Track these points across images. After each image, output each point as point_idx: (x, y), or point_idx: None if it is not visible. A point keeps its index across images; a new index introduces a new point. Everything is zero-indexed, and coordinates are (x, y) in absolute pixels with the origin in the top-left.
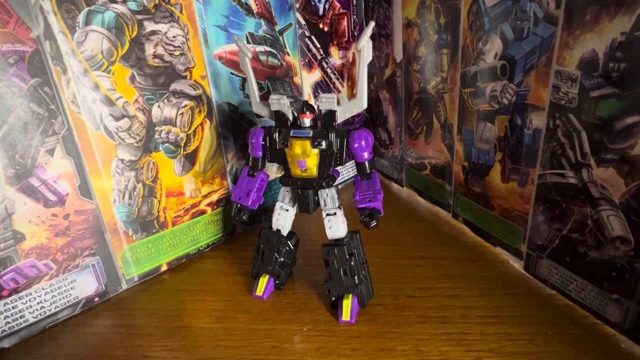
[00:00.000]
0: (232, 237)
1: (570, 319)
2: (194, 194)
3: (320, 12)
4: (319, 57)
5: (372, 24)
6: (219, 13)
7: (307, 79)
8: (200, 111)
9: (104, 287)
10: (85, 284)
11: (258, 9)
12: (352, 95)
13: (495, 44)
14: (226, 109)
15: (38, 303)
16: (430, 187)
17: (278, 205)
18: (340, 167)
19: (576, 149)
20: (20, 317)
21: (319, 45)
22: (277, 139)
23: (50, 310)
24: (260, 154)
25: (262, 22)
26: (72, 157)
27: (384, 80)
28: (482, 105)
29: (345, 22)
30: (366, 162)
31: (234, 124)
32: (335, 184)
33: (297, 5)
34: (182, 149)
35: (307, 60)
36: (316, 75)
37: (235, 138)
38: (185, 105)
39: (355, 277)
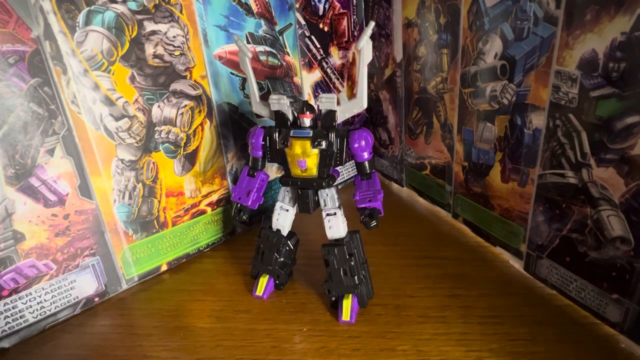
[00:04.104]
0: (232, 237)
1: (570, 319)
2: (194, 194)
3: (320, 12)
4: (319, 57)
5: (372, 24)
6: (219, 13)
7: (307, 79)
8: (200, 111)
9: (104, 287)
10: (85, 284)
11: (258, 9)
12: (352, 95)
13: (495, 44)
14: (226, 109)
15: (38, 303)
16: (430, 187)
17: (278, 205)
18: (340, 167)
19: (576, 149)
20: (20, 317)
21: (319, 45)
22: (277, 139)
23: (50, 310)
24: (260, 154)
25: (262, 22)
26: (72, 157)
27: (384, 80)
28: (482, 105)
29: (345, 22)
30: (366, 162)
31: (234, 124)
32: (335, 184)
33: (297, 5)
34: (182, 149)
35: (307, 60)
36: (316, 75)
37: (235, 138)
38: (185, 105)
39: (355, 277)
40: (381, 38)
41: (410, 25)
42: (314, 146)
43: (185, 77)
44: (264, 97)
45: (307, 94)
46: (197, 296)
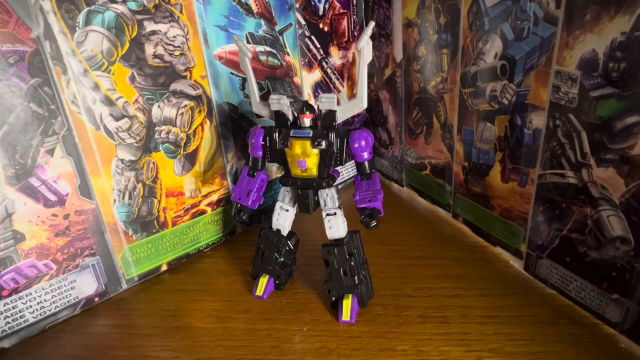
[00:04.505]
0: (232, 237)
1: (570, 319)
2: (194, 194)
3: (320, 12)
4: (319, 57)
5: (372, 24)
6: (219, 13)
7: (307, 79)
8: (200, 111)
9: (104, 287)
10: (85, 284)
11: (258, 9)
12: (352, 95)
13: (495, 44)
14: (226, 109)
15: (38, 303)
16: (430, 187)
17: (278, 205)
18: (340, 167)
19: (576, 149)
20: (20, 317)
21: (319, 45)
22: (277, 139)
23: (50, 310)
24: (260, 154)
25: (262, 22)
26: (72, 157)
27: (384, 80)
28: (482, 105)
29: (345, 22)
30: (366, 162)
31: (234, 124)
32: (335, 184)
33: (297, 5)
34: (182, 149)
35: (307, 60)
36: (316, 75)
37: (235, 138)
38: (185, 105)
39: (355, 277)
40: (381, 38)
41: (410, 25)
42: (314, 146)
43: (185, 77)
44: (264, 97)
45: (307, 94)
46: (197, 296)
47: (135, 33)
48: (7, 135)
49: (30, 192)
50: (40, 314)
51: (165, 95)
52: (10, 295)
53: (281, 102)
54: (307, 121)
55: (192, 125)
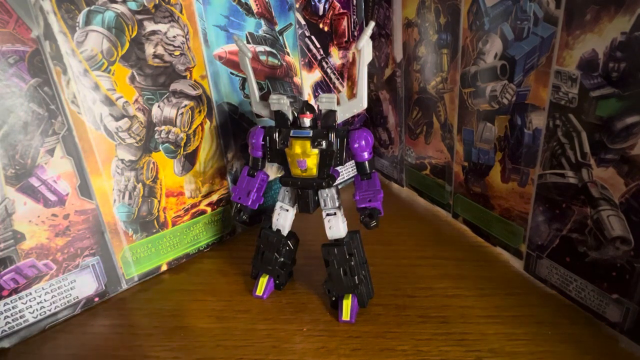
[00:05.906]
0: (232, 237)
1: (570, 319)
2: (194, 194)
3: (320, 12)
4: (319, 57)
5: (372, 24)
6: (219, 13)
7: (307, 79)
8: (200, 111)
9: (104, 287)
10: (85, 284)
11: (258, 9)
12: (352, 95)
13: (495, 44)
14: (226, 109)
15: (38, 303)
16: (430, 187)
17: (278, 205)
18: (340, 167)
19: (576, 149)
20: (20, 317)
21: (319, 45)
22: (277, 139)
23: (50, 310)
24: (260, 154)
25: (262, 22)
26: (72, 157)
27: (384, 80)
28: (482, 105)
29: (345, 22)
30: (366, 162)
31: (234, 124)
32: (335, 184)
33: (297, 5)
34: (182, 149)
35: (307, 60)
36: (316, 75)
37: (235, 138)
38: (185, 105)
39: (355, 277)
40: (381, 38)
41: (410, 25)
42: (313, 146)
43: (185, 77)
44: (264, 97)
45: (307, 94)
46: (197, 296)
47: (135, 33)
48: (7, 135)
49: (30, 192)
50: (40, 314)
51: (165, 95)
52: (10, 295)
53: (281, 102)
54: (307, 121)
55: (192, 125)
